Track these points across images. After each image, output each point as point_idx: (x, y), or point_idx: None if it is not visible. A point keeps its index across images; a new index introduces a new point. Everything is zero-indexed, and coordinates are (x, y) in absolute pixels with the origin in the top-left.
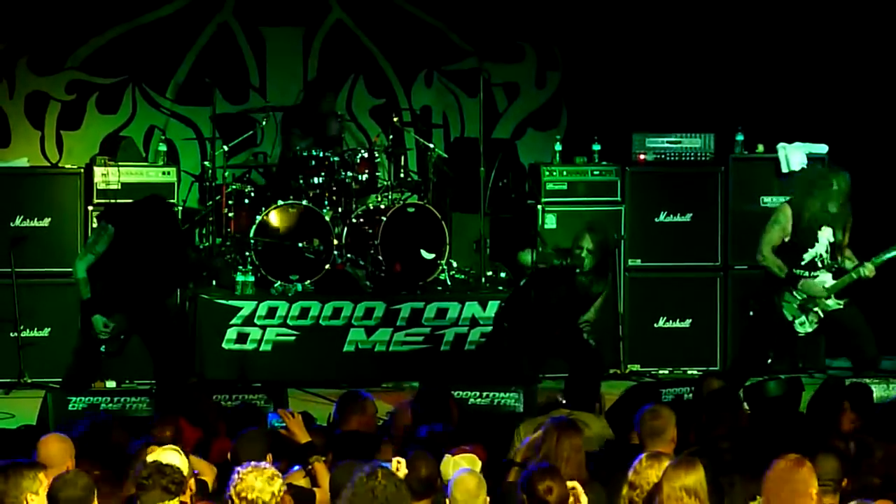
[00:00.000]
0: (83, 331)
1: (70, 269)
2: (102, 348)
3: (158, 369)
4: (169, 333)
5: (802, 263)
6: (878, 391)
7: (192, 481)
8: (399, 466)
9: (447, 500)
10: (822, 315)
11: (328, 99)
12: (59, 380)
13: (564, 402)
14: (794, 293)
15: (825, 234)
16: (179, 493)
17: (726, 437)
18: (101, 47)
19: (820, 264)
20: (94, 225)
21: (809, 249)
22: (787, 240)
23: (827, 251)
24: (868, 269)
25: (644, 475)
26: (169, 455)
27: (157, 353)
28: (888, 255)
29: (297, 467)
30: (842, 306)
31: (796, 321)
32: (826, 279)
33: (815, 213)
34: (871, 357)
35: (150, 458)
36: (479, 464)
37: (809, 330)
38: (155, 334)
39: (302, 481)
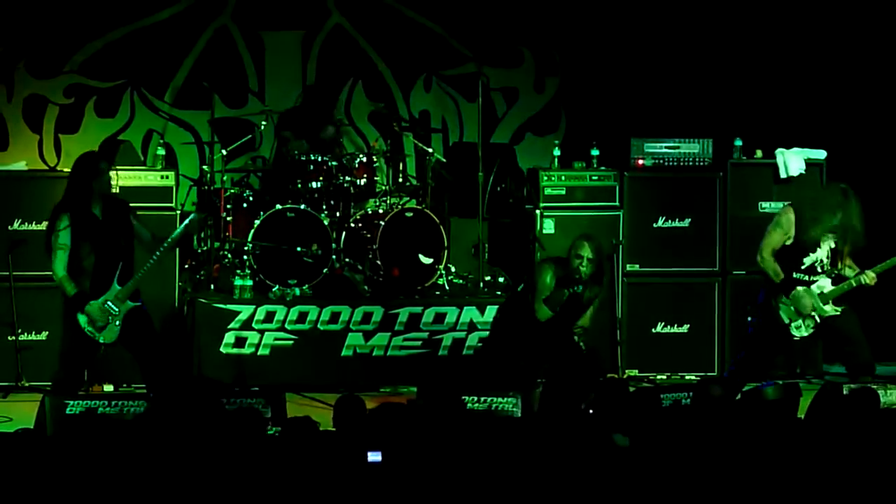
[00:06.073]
0: (67, 333)
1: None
2: (102, 349)
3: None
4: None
5: (802, 267)
6: None
7: None
8: None
9: None
10: (818, 321)
11: (328, 129)
12: None
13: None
14: (788, 300)
15: (827, 240)
16: None
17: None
18: (99, 51)
19: (819, 269)
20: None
21: (811, 254)
22: (788, 243)
23: (828, 257)
24: (869, 277)
25: None
26: None
27: (143, 342)
28: (890, 264)
29: None
30: (839, 313)
31: (792, 325)
32: (825, 284)
33: (832, 228)
34: (865, 363)
35: None
36: None
37: (805, 334)
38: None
39: None
